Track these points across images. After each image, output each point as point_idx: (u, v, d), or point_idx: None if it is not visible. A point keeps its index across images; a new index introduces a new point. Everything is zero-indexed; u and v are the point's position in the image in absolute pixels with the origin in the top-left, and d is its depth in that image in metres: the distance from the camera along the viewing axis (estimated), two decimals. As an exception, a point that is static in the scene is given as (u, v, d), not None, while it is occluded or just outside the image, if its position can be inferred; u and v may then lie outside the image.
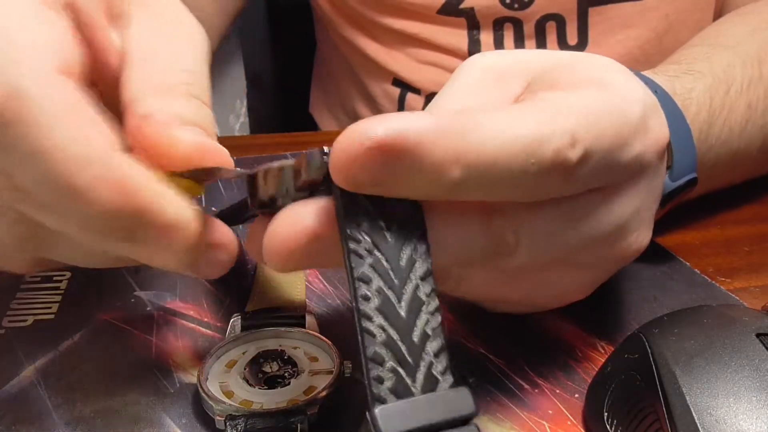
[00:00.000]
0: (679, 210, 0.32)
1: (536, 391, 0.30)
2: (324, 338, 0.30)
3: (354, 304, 0.21)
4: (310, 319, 0.32)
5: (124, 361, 0.32)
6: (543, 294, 0.30)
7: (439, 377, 0.21)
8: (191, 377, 0.30)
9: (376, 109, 0.67)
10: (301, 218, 0.22)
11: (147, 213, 0.23)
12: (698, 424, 0.24)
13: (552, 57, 0.30)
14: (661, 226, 0.37)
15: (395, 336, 0.21)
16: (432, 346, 0.21)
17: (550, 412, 0.29)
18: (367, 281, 0.21)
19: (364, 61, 0.65)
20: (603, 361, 0.30)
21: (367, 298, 0.21)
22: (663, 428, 0.24)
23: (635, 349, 0.27)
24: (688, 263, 0.38)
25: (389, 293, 0.22)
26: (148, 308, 0.35)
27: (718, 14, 0.60)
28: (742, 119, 0.40)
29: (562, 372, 0.31)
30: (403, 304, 0.22)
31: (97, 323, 0.34)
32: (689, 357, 0.25)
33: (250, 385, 0.28)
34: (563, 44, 0.60)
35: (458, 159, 0.22)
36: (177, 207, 0.23)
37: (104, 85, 0.27)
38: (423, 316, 0.22)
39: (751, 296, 0.35)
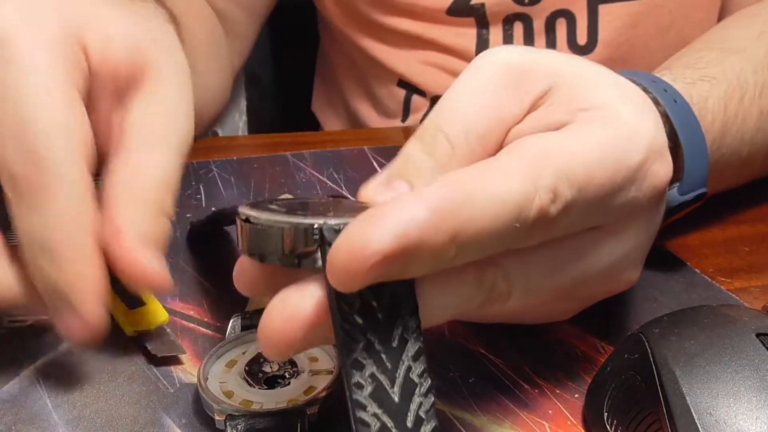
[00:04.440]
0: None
1: (536, 391, 0.30)
2: (324, 338, 0.30)
3: (347, 393, 0.21)
4: (310, 319, 0.32)
5: (124, 362, 0.32)
6: (529, 318, 0.31)
7: None
8: (191, 377, 0.30)
9: (381, 110, 0.67)
10: (295, 311, 0.22)
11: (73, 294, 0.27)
12: (698, 425, 0.24)
13: (575, 66, 0.29)
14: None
15: (389, 423, 0.21)
16: (426, 429, 0.21)
17: (550, 412, 0.29)
18: (360, 368, 0.21)
19: (369, 62, 0.65)
20: (603, 361, 0.30)
21: (360, 386, 0.21)
22: (663, 428, 0.24)
23: (635, 349, 0.27)
24: (688, 263, 0.38)
25: (382, 378, 0.21)
26: (148, 308, 0.35)
27: (722, 11, 0.60)
28: (754, 127, 0.39)
29: (562, 372, 0.31)
30: (396, 388, 0.21)
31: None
32: (689, 357, 0.25)
33: (250, 385, 0.28)
34: (573, 44, 0.60)
35: (454, 240, 0.21)
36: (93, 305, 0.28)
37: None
38: (416, 399, 0.22)
39: (751, 296, 0.35)
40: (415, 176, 0.27)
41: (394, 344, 0.22)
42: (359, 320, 0.21)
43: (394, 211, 0.21)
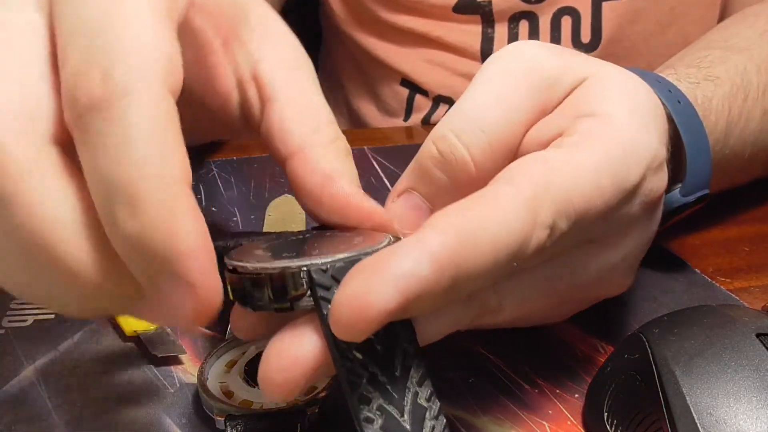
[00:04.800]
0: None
1: (536, 391, 0.30)
2: (324, 338, 0.30)
3: (358, 430, 0.21)
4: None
5: (124, 362, 0.32)
6: (525, 323, 0.31)
7: None
8: (191, 377, 0.30)
9: (383, 109, 0.67)
10: (294, 358, 0.21)
11: (178, 258, 0.20)
12: (698, 425, 0.24)
13: (596, 69, 0.28)
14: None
15: None
16: None
17: (550, 412, 0.29)
18: (367, 402, 0.21)
19: (372, 61, 0.65)
20: (603, 361, 0.30)
21: (370, 420, 0.21)
22: (663, 428, 0.24)
23: (635, 349, 0.27)
24: (688, 263, 0.38)
25: (390, 409, 0.21)
26: (148, 308, 0.35)
27: (723, 10, 0.60)
28: (757, 128, 0.39)
29: (562, 372, 0.31)
30: (406, 416, 0.21)
31: (97, 323, 0.34)
32: (689, 357, 0.25)
33: (250, 385, 0.28)
34: (576, 41, 0.60)
35: (454, 288, 0.21)
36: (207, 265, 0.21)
37: (193, 105, 0.26)
38: (428, 424, 0.22)
39: (751, 296, 0.35)
40: (430, 194, 0.27)
41: (397, 373, 0.22)
42: (359, 355, 0.21)
43: (396, 264, 0.20)
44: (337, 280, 0.21)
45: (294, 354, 0.21)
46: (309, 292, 0.21)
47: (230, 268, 0.22)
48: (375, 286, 0.20)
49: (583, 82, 0.28)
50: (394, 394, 0.21)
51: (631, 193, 0.26)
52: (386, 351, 0.22)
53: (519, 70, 0.27)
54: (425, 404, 0.22)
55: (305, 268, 0.21)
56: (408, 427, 0.21)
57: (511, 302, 0.26)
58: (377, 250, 0.22)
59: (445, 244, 0.21)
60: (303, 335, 0.21)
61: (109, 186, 0.19)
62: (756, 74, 0.40)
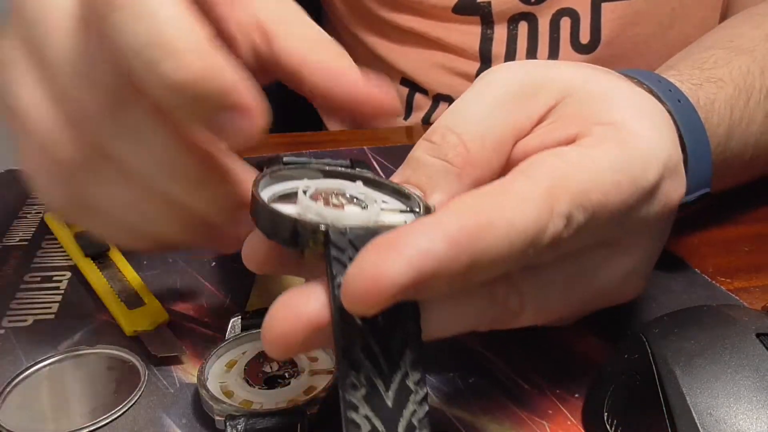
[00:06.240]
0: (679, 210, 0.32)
1: (536, 391, 0.30)
2: (324, 338, 0.30)
3: (341, 393, 0.21)
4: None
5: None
6: (537, 322, 0.30)
7: None
8: (191, 377, 0.30)
9: None
10: (298, 313, 0.21)
11: (229, 91, 0.23)
12: (698, 424, 0.24)
13: (589, 79, 0.29)
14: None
15: (380, 428, 0.21)
16: None
17: (550, 412, 0.29)
18: (356, 368, 0.21)
19: (373, 60, 0.65)
20: (603, 361, 0.30)
21: (354, 387, 0.21)
22: (663, 428, 0.24)
23: (635, 349, 0.27)
24: (688, 263, 0.38)
25: (377, 381, 0.21)
26: (148, 308, 0.35)
27: (725, 11, 0.60)
28: (758, 131, 0.39)
29: (562, 372, 0.31)
30: (390, 393, 0.21)
31: (97, 323, 0.34)
32: (689, 357, 0.25)
33: (250, 385, 0.28)
34: (576, 43, 0.60)
35: (469, 271, 0.21)
36: (251, 90, 0.24)
37: None
38: (410, 407, 0.21)
39: (751, 296, 0.35)
40: (428, 184, 0.27)
41: (393, 350, 0.22)
42: (359, 322, 0.21)
43: (412, 240, 0.20)
44: (353, 245, 0.21)
45: (298, 309, 0.22)
46: (323, 248, 0.22)
47: (259, 191, 0.23)
48: (390, 259, 0.20)
49: (588, 94, 0.28)
50: (384, 368, 0.21)
51: (649, 193, 0.27)
52: (388, 326, 0.22)
53: (506, 77, 0.29)
54: (412, 387, 0.22)
55: (324, 228, 0.22)
56: (389, 403, 0.21)
57: (532, 304, 0.26)
58: (397, 227, 0.22)
59: (462, 225, 0.21)
60: (311, 294, 0.22)
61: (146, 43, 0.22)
62: (759, 77, 0.40)
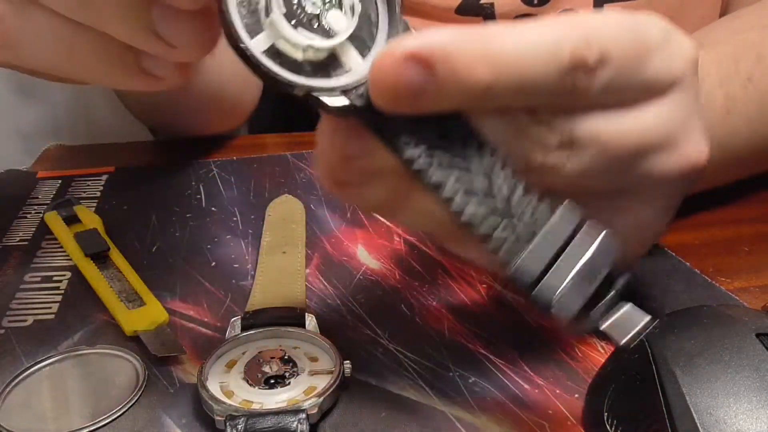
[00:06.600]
0: (679, 210, 0.32)
1: (536, 391, 0.30)
2: (324, 338, 0.30)
3: (415, 172, 0.22)
4: (310, 319, 0.32)
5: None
6: (618, 223, 0.29)
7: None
8: (191, 377, 0.30)
9: None
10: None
11: None
12: (698, 424, 0.24)
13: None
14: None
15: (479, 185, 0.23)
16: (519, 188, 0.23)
17: (550, 412, 0.29)
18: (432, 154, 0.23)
19: None
20: (603, 361, 0.30)
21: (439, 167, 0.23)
22: (663, 428, 0.24)
23: (635, 349, 0.27)
24: (688, 263, 0.38)
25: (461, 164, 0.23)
26: (148, 308, 0.35)
27: (724, 10, 0.60)
28: (742, 141, 0.39)
29: (562, 372, 0.31)
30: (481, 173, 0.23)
31: (97, 323, 0.34)
32: (689, 357, 0.25)
33: (250, 385, 0.28)
34: None
35: (485, 60, 0.22)
36: None
37: None
38: (497, 170, 0.23)
39: (751, 296, 0.35)
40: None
41: (457, 136, 0.23)
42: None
43: (423, 31, 0.22)
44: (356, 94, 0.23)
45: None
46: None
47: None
48: (404, 40, 0.22)
49: None
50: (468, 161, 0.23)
51: (657, 41, 0.28)
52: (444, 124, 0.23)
53: None
54: (490, 158, 0.23)
55: (316, 94, 0.23)
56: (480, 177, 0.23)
57: (581, 137, 0.26)
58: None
59: (475, 29, 0.23)
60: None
61: None
62: (717, 65, 0.40)
